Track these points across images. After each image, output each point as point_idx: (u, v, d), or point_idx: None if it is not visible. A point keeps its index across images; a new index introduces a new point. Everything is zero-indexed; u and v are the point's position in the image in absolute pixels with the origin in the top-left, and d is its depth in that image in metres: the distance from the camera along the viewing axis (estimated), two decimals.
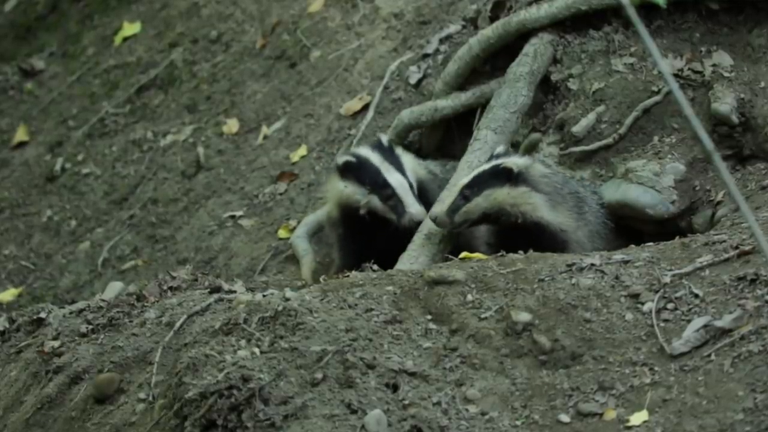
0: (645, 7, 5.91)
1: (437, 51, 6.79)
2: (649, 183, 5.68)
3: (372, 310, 4.59)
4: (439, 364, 4.44)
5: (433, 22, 7.00)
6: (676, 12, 6.01)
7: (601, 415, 4.27)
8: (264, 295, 4.81)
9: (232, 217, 6.98)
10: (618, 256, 4.78)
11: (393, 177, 5.52)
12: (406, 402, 4.34)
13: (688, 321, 4.43)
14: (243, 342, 4.50)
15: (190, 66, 7.83)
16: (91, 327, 5.03)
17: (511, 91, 5.94)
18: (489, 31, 6.19)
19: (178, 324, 4.83)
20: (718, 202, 5.63)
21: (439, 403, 4.34)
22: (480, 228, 5.53)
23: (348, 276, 4.87)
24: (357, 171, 5.50)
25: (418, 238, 5.49)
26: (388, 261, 5.24)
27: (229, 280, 5.46)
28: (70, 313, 5.20)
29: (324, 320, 4.53)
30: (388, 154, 5.56)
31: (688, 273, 4.60)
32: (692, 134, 5.70)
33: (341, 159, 5.54)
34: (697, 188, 5.70)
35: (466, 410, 4.32)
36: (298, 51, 7.45)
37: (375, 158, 5.52)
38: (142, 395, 4.70)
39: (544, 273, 4.65)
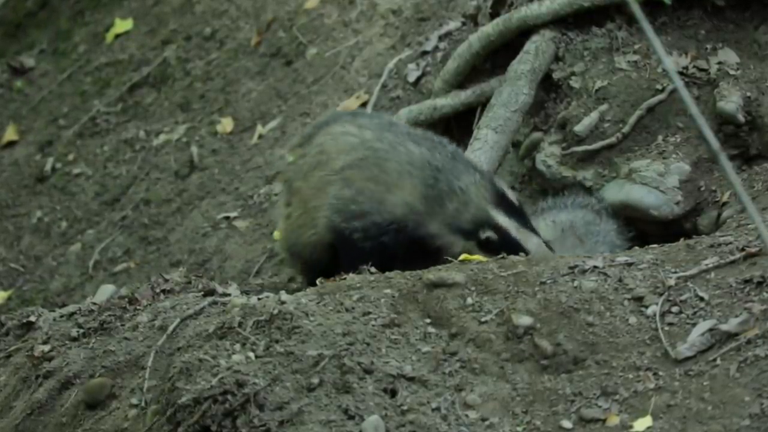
0: (649, 4, 5.89)
1: (436, 48, 6.82)
2: (653, 183, 5.67)
3: (370, 313, 4.55)
4: (439, 369, 4.40)
5: (432, 18, 7.03)
6: (681, 8, 6.00)
7: (604, 420, 4.22)
8: (259, 299, 4.77)
9: (227, 218, 7.00)
10: (621, 258, 4.74)
11: (531, 243, 5.34)
12: (405, 407, 4.30)
13: (693, 324, 4.39)
14: (237, 346, 4.47)
15: (184, 64, 7.85)
16: (82, 331, 5.00)
17: (512, 90, 5.93)
18: (489, 28, 6.20)
19: (171, 328, 4.80)
20: (724, 203, 5.62)
21: (438, 409, 4.30)
22: None
23: (345, 278, 4.83)
24: (498, 246, 5.31)
25: None
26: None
27: (223, 282, 5.43)
28: (61, 316, 5.17)
29: (320, 324, 4.50)
30: (518, 215, 5.35)
31: (693, 275, 4.56)
32: (697, 133, 5.70)
33: (483, 235, 5.31)
34: (703, 189, 5.69)
35: (466, 416, 4.29)
36: (294, 48, 7.47)
37: (512, 227, 5.31)
38: (134, 401, 4.67)
39: (545, 275, 4.62)
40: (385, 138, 5.33)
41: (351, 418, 4.27)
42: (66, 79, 8.30)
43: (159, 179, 7.44)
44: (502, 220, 5.25)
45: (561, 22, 6.05)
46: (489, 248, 5.22)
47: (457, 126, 6.37)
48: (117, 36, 8.30)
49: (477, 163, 5.53)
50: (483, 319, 4.50)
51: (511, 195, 5.35)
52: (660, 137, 5.81)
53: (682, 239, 5.03)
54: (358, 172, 5.30)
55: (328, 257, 5.30)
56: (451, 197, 5.25)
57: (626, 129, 5.84)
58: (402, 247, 5.20)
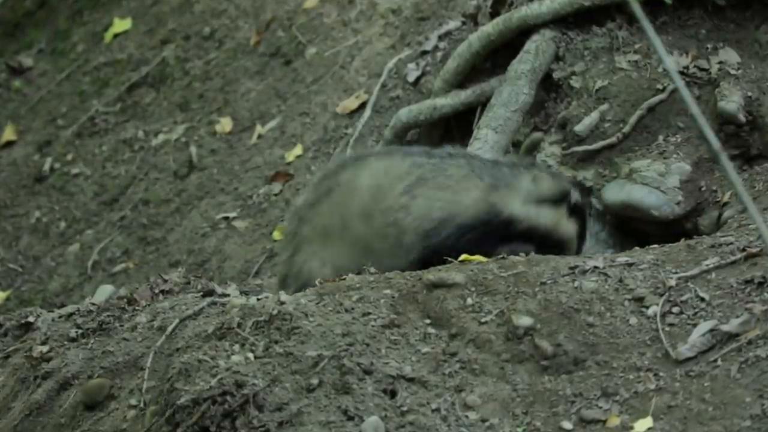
0: (649, 3, 5.88)
1: (436, 48, 6.82)
2: (653, 183, 5.65)
3: (369, 314, 4.54)
4: (438, 370, 4.39)
5: (432, 18, 7.02)
6: (682, 8, 5.99)
7: (605, 421, 4.20)
8: (258, 299, 4.76)
9: (226, 218, 6.99)
10: (622, 258, 4.73)
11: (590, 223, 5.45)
12: (405, 408, 4.29)
13: (694, 325, 4.37)
14: (237, 347, 4.46)
15: (183, 63, 7.84)
16: (80, 331, 4.99)
17: (512, 89, 5.92)
18: (489, 28, 6.18)
19: (170, 328, 4.78)
20: (725, 203, 5.59)
21: (438, 410, 4.29)
22: None
23: (344, 279, 4.82)
24: (579, 215, 5.35)
25: None
26: None
27: (222, 283, 5.43)
28: (59, 317, 5.16)
29: (320, 324, 4.48)
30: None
31: (693, 276, 4.54)
32: (698, 133, 5.68)
33: (574, 197, 5.31)
34: (703, 189, 5.66)
35: (466, 417, 4.27)
36: (293, 48, 7.47)
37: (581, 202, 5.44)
38: (133, 401, 4.66)
39: (545, 276, 4.61)
40: (433, 156, 5.31)
41: (351, 419, 4.26)
42: (64, 79, 8.30)
43: (158, 179, 7.43)
44: (574, 194, 5.33)
45: (561, 21, 6.03)
46: (579, 212, 5.30)
47: (457, 126, 6.35)
48: (116, 35, 8.30)
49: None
50: (483, 320, 4.48)
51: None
52: (661, 137, 5.78)
53: (682, 239, 5.01)
54: (423, 187, 5.23)
55: None
56: (519, 177, 5.23)
57: (627, 129, 5.81)
58: (495, 241, 5.16)
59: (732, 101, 5.66)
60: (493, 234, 5.17)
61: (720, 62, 5.83)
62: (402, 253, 5.17)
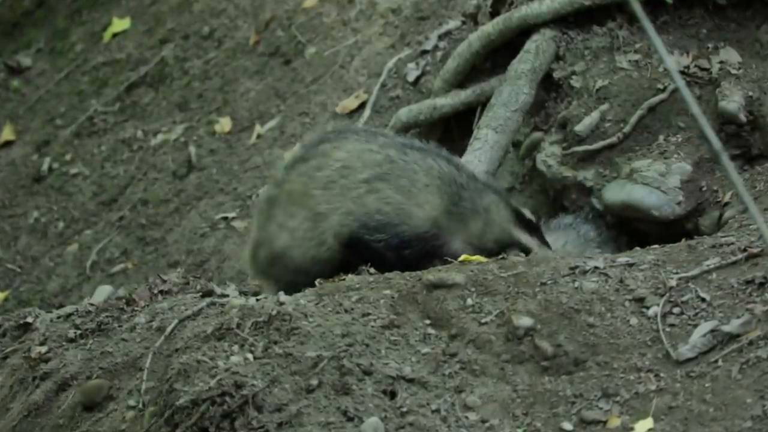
0: (650, 3, 5.89)
1: (436, 47, 6.82)
2: (654, 183, 5.64)
3: (369, 314, 4.54)
4: (438, 370, 4.38)
5: (432, 17, 7.02)
6: (683, 7, 5.99)
7: (605, 422, 4.20)
8: (257, 299, 4.76)
9: (225, 218, 6.99)
10: (622, 258, 4.73)
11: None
12: (404, 409, 4.28)
13: (695, 326, 4.37)
14: (236, 347, 4.46)
15: (182, 63, 7.84)
16: (79, 332, 4.98)
17: (513, 89, 5.92)
18: (489, 27, 6.18)
19: (169, 329, 4.78)
20: (726, 203, 5.59)
21: (438, 411, 4.28)
22: None
23: (344, 279, 4.81)
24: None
25: None
26: None
27: (221, 283, 5.42)
28: (58, 317, 5.16)
29: (319, 325, 4.48)
30: (537, 232, 5.45)
31: (694, 276, 4.54)
32: (699, 133, 5.68)
33: (510, 255, 5.32)
34: (704, 189, 5.66)
35: (466, 417, 4.27)
36: (292, 47, 7.47)
37: (534, 246, 5.36)
38: (131, 402, 4.65)
39: (546, 276, 4.61)
40: (410, 153, 5.28)
41: (350, 419, 4.26)
42: (63, 79, 8.30)
43: (157, 179, 7.43)
44: (525, 239, 5.26)
45: (562, 21, 6.03)
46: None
47: (457, 126, 6.35)
48: (114, 35, 8.31)
49: (492, 182, 5.52)
50: (483, 320, 4.48)
51: (527, 213, 5.36)
52: (661, 137, 5.78)
53: (683, 240, 5.01)
54: (385, 183, 5.21)
55: (332, 273, 5.20)
56: (474, 217, 5.20)
57: (627, 129, 5.81)
58: (422, 261, 5.12)
59: (733, 101, 5.66)
60: (423, 250, 5.15)
61: (721, 62, 5.82)
62: (328, 238, 5.19)
